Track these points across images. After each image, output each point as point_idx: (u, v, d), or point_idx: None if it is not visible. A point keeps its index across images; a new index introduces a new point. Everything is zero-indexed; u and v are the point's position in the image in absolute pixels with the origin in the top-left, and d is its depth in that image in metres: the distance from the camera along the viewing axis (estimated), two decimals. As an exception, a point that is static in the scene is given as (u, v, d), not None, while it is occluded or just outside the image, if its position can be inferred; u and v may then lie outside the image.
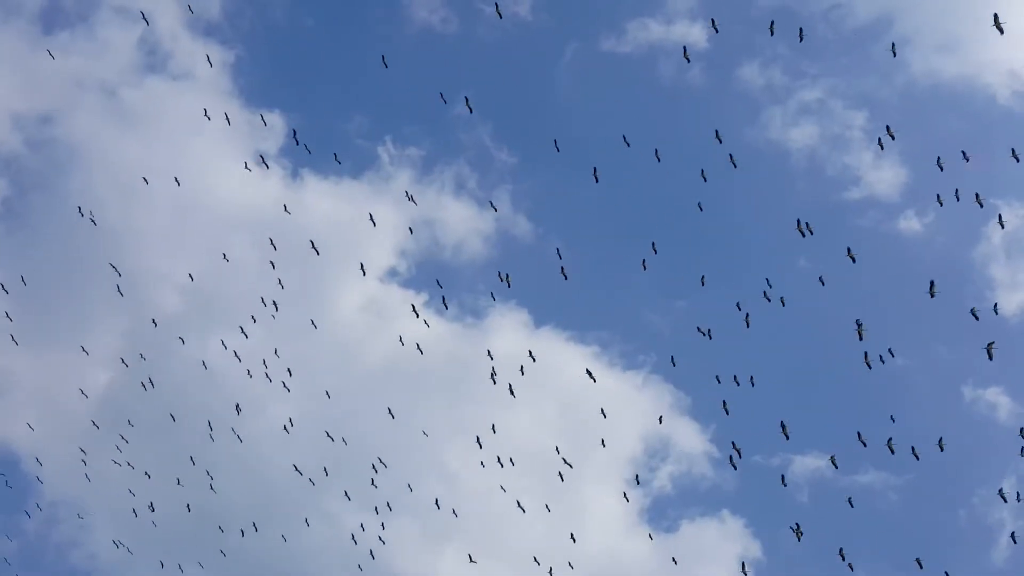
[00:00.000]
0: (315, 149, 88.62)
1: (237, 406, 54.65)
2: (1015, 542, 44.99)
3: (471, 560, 50.15)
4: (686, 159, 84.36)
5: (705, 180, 45.52)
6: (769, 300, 45.49)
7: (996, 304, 47.55)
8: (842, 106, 79.79)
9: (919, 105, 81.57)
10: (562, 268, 48.03)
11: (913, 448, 43.44)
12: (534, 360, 50.49)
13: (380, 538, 55.79)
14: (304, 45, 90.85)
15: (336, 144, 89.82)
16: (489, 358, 50.82)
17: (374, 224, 56.17)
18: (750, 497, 67.15)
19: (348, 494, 56.15)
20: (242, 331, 58.40)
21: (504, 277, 49.36)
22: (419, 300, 76.18)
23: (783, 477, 49.39)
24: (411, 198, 58.21)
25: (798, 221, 43.78)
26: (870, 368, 43.25)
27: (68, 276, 73.35)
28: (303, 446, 63.71)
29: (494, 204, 51.63)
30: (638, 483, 56.96)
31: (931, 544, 47.13)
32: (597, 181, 45.99)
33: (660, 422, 56.41)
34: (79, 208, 57.43)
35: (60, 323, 74.40)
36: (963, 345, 68.94)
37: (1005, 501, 45.22)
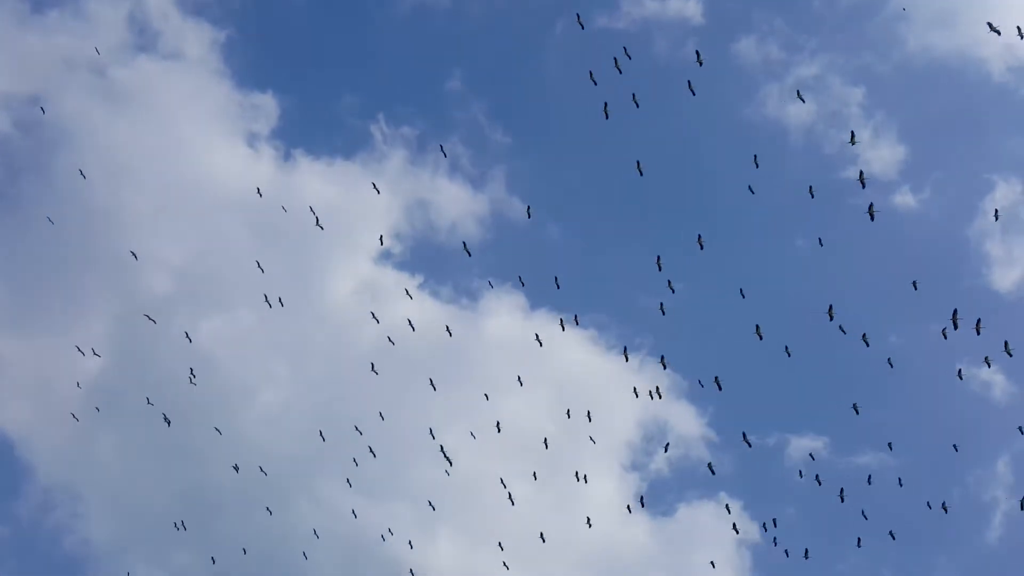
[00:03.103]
0: (307, 129, 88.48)
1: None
2: None
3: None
4: (682, 138, 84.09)
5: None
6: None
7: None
8: (840, 82, 79.30)
9: (915, 81, 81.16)
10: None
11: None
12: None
13: (374, 522, 55.69)
14: (295, 24, 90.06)
15: (328, 123, 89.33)
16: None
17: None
18: (747, 479, 67.06)
19: (341, 478, 55.89)
20: (235, 314, 58.01)
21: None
22: (413, 283, 75.84)
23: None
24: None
25: None
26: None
27: (59, 259, 72.76)
28: (296, 429, 63.47)
29: (530, 211, 52.41)
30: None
31: (927, 524, 47.03)
32: (641, 174, 45.48)
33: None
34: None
35: (51, 307, 73.94)
36: (958, 323, 68.72)
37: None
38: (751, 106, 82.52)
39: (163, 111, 79.34)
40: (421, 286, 76.37)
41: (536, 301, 75.59)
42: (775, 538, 47.27)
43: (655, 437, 71.46)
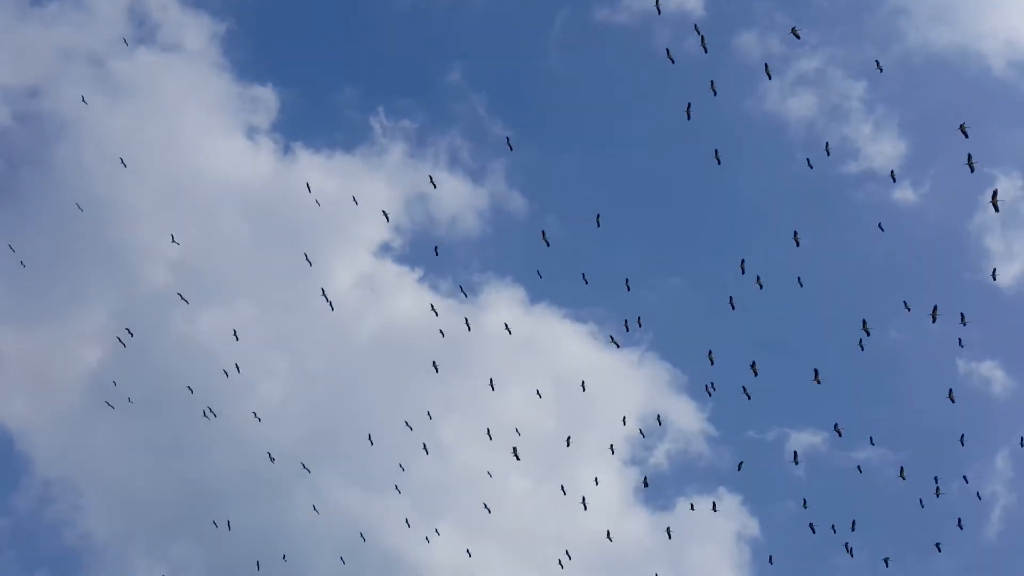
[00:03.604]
0: (307, 122, 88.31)
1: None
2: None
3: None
4: (682, 132, 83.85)
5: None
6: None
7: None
8: (841, 76, 79.15)
9: (915, 76, 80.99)
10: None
11: None
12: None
13: (372, 515, 55.72)
14: (295, 16, 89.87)
15: (328, 117, 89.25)
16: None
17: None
18: (747, 474, 67.03)
19: (340, 471, 55.93)
20: (234, 307, 57.81)
21: None
22: (413, 276, 75.84)
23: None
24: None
25: None
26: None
27: (58, 251, 72.69)
28: (295, 422, 63.41)
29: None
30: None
31: (926, 519, 46.96)
32: (719, 163, 43.97)
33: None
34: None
35: (51, 299, 73.86)
36: (958, 317, 68.68)
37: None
38: (751, 100, 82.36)
39: (162, 103, 79.23)
40: (421, 280, 76.40)
41: (536, 295, 75.68)
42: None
43: (655, 431, 71.48)
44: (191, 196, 73.87)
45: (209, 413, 52.97)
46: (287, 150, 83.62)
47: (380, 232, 77.79)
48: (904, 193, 76.72)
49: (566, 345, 71.38)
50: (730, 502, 66.63)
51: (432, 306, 50.55)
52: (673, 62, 41.48)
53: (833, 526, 45.06)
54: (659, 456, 70.73)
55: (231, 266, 72.72)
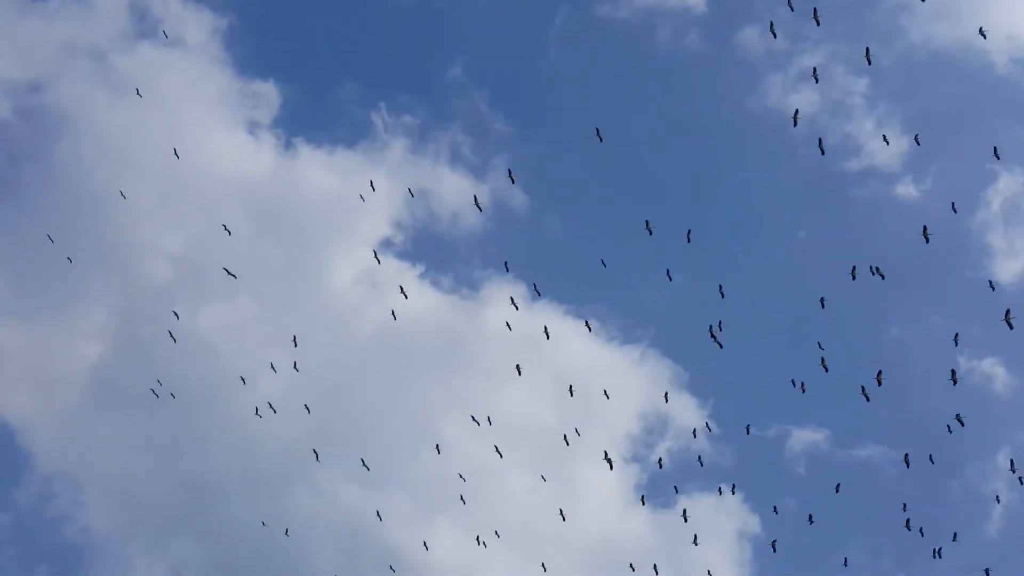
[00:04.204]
0: (308, 118, 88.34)
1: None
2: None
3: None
4: (684, 128, 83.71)
5: None
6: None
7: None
8: (843, 72, 78.96)
9: (918, 72, 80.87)
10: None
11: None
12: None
13: (374, 512, 55.68)
14: (297, 11, 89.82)
15: (329, 112, 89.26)
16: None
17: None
18: (749, 472, 67.03)
19: (340, 467, 55.97)
20: (234, 302, 57.76)
21: None
22: (414, 272, 75.83)
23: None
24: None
25: None
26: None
27: (59, 246, 72.67)
28: (296, 418, 63.38)
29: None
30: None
31: (927, 517, 46.94)
32: (823, 153, 43.84)
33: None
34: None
35: (52, 294, 73.89)
36: (959, 314, 68.65)
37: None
38: (754, 96, 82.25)
39: (164, 98, 79.21)
40: (422, 276, 76.39)
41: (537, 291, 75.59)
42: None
43: (656, 429, 71.42)
44: (192, 191, 73.89)
45: (268, 409, 52.64)
46: (288, 145, 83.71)
47: (381, 228, 77.88)
48: (907, 189, 76.70)
49: (567, 342, 71.29)
50: (731, 499, 66.64)
51: (512, 298, 50.66)
52: (775, 36, 41.50)
53: (909, 523, 44.90)
54: (660, 453, 70.75)
55: (232, 262, 72.66)
